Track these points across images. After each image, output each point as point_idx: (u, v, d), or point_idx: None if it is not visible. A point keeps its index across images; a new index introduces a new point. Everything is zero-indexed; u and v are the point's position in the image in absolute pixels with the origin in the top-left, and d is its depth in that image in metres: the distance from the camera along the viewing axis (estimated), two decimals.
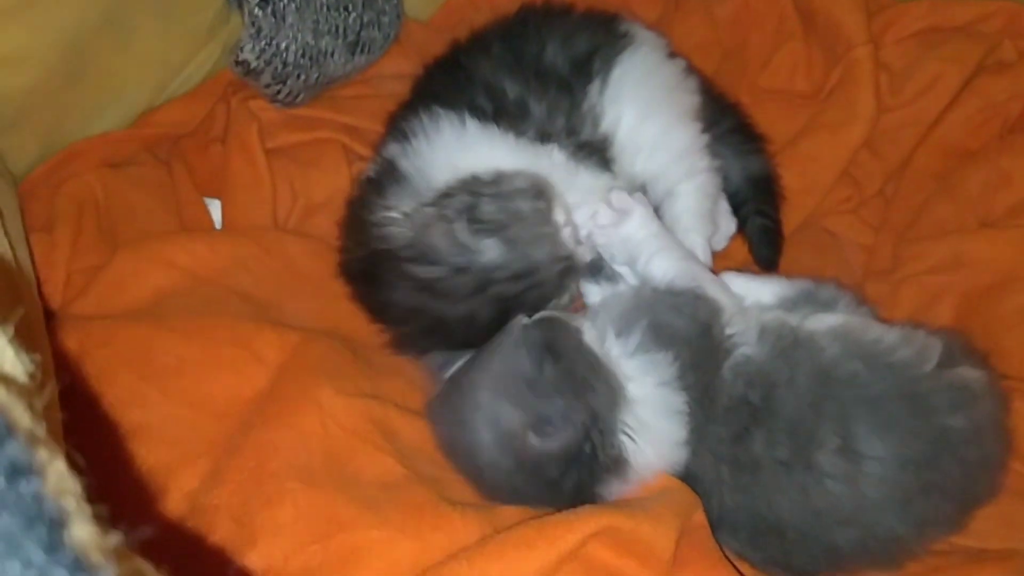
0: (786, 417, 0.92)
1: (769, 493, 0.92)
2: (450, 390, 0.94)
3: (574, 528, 0.82)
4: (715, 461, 0.92)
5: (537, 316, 0.97)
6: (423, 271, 1.01)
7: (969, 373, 0.98)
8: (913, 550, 0.95)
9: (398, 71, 1.34)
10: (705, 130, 1.22)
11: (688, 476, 0.93)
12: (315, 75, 1.26)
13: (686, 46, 1.44)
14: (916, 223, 1.29)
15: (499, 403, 0.89)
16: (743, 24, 1.45)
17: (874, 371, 0.94)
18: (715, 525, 0.94)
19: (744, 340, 0.96)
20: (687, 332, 0.95)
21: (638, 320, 0.96)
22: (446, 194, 1.03)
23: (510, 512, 0.89)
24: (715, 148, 1.28)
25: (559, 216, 1.05)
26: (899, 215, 1.32)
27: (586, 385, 0.90)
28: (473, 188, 1.03)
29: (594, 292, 1.12)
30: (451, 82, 1.14)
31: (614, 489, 0.92)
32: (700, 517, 0.91)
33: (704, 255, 1.15)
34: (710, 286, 1.02)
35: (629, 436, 0.90)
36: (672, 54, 1.25)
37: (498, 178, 1.04)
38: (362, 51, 1.31)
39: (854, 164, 1.33)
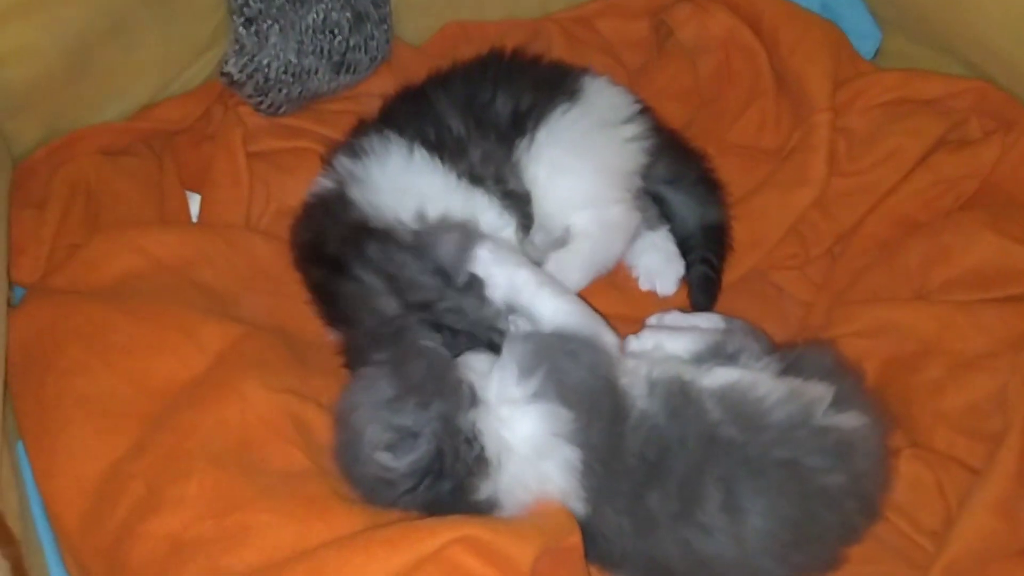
0: (677, 475, 0.96)
1: (663, 543, 0.97)
2: (339, 411, 1.01)
3: (436, 534, 0.90)
4: (615, 514, 0.97)
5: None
6: (403, 259, 1.08)
7: (851, 422, 1.01)
8: None
9: (386, 91, 1.39)
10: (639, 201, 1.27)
11: (590, 526, 0.98)
12: (297, 90, 1.34)
13: (669, 92, 1.51)
14: (853, 286, 1.32)
15: (365, 424, 0.96)
16: (721, 78, 1.50)
17: (750, 434, 0.97)
18: (616, 566, 1.01)
19: (637, 393, 1.00)
20: (591, 389, 0.99)
21: (539, 364, 1.00)
22: None
23: (395, 514, 0.97)
24: (677, 195, 1.35)
25: None
26: (840, 276, 1.35)
27: (431, 393, 0.96)
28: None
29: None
30: (412, 109, 1.22)
31: (493, 496, 0.97)
32: (575, 540, 0.96)
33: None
34: (601, 330, 1.08)
35: (483, 439, 0.96)
36: (629, 118, 1.28)
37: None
38: (347, 71, 1.38)
39: (805, 223, 1.37)
